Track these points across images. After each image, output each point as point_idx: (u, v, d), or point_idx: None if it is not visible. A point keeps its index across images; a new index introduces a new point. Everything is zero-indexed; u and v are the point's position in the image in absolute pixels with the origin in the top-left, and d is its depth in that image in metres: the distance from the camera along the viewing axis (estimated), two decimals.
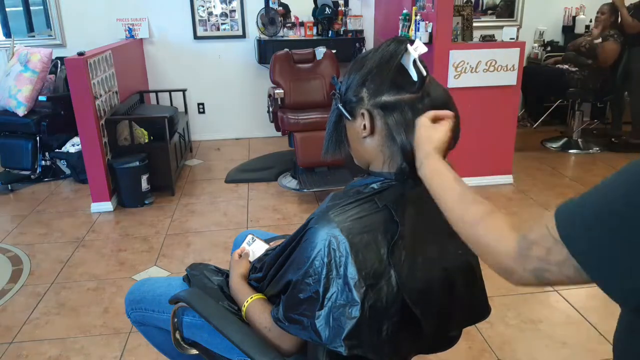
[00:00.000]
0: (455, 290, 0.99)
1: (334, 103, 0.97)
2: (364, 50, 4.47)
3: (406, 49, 0.89)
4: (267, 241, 1.36)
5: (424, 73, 0.88)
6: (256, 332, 1.04)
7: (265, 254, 1.24)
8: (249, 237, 1.33)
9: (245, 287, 1.14)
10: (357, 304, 0.85)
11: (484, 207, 0.77)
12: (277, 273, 1.02)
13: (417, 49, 0.88)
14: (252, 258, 1.27)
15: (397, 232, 0.89)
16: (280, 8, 4.51)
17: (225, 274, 1.29)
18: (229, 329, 1.04)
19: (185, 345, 1.24)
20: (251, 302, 1.07)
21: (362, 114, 0.92)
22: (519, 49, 3.34)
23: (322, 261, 0.87)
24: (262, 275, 1.11)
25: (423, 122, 0.88)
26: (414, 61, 0.88)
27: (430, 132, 0.87)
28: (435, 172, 0.84)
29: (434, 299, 0.95)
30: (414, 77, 0.88)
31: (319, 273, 0.87)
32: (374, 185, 0.94)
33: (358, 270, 0.86)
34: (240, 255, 1.28)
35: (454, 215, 0.79)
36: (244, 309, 1.08)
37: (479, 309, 1.07)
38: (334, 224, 0.88)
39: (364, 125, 0.92)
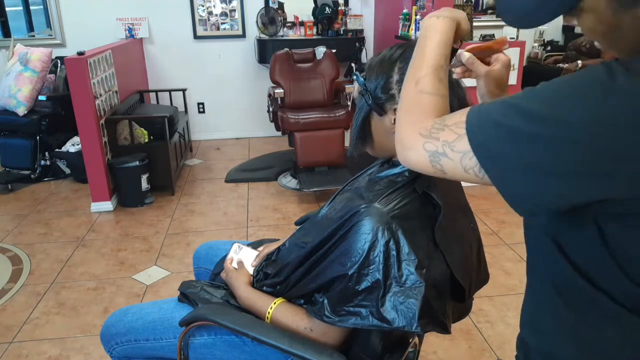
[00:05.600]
0: (474, 260, 1.09)
1: (361, 101, 1.00)
2: (363, 49, 4.50)
3: None
4: (253, 247, 1.31)
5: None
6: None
7: (268, 258, 1.21)
8: (235, 246, 1.29)
9: (261, 294, 1.13)
10: (421, 284, 0.89)
11: (442, 86, 0.74)
12: (310, 272, 1.02)
13: None
14: (246, 265, 1.24)
15: (441, 215, 0.94)
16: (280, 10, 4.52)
17: (222, 287, 1.25)
18: (272, 336, 1.00)
19: None
20: (276, 307, 1.07)
21: (395, 110, 0.94)
22: (519, 48, 3.35)
23: (379, 250, 0.90)
24: (282, 278, 1.10)
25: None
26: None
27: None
28: (428, 31, 0.80)
29: (469, 270, 1.05)
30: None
31: (377, 262, 0.90)
32: (406, 174, 0.99)
33: (416, 254, 0.90)
34: (232, 267, 1.25)
35: (411, 71, 0.77)
36: (269, 315, 1.07)
37: (484, 276, 1.16)
38: (384, 214, 0.92)
39: (394, 120, 0.94)
